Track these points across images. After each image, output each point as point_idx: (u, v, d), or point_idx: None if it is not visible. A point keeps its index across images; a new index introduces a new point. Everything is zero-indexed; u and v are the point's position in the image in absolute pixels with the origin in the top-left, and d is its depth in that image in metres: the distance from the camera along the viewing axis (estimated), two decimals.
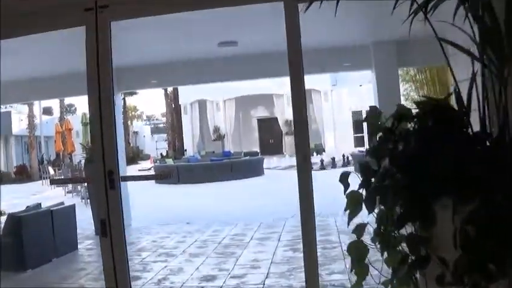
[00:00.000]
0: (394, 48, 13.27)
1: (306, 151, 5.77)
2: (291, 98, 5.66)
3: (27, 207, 10.99)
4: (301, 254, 10.39)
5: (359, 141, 43.65)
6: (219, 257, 10.71)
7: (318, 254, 10.34)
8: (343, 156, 33.39)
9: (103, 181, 5.59)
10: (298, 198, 5.84)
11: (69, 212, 11.74)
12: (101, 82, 5.56)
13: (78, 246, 12.07)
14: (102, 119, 5.62)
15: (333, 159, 33.06)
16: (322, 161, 32.64)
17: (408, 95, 16.58)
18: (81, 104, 52.42)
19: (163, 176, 9.40)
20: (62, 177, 27.85)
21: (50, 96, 20.51)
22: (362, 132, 43.76)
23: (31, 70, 13.79)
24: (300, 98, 5.60)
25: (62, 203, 11.66)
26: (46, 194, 26.77)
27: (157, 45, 12.39)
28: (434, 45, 3.92)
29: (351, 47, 13.66)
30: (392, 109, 3.89)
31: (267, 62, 13.92)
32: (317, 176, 24.23)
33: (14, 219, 10.07)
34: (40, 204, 11.18)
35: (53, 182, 8.18)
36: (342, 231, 12.09)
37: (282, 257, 10.34)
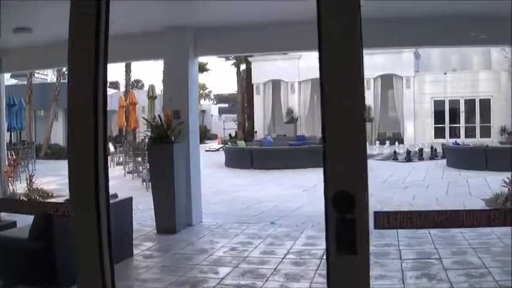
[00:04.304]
0: None
1: None
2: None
3: (66, 201, 8.10)
4: (441, 285, 7.62)
5: (440, 132, 41.52)
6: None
7: (465, 285, 7.45)
8: (431, 147, 30.23)
9: None
10: None
11: (124, 207, 8.90)
12: None
13: (134, 252, 9.37)
14: None
15: (421, 150, 29.85)
16: (409, 152, 29.34)
17: None
18: (148, 79, 51.20)
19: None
20: (123, 155, 25.54)
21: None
22: (443, 123, 41.62)
23: None
24: None
25: (115, 196, 8.76)
26: None
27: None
28: None
29: (487, 15, 10.59)
30: None
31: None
32: (406, 168, 20.50)
33: (44, 219, 7.21)
34: None
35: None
36: (477, 248, 9.16)
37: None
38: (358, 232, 2.46)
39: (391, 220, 3.12)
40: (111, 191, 9.84)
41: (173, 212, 11.11)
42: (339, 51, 2.70)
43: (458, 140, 35.09)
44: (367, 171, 2.69)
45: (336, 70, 2.70)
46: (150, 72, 65.12)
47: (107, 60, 3.02)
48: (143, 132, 20.47)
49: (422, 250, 9.38)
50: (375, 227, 2.89)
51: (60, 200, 8.12)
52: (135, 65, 47.69)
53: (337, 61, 2.70)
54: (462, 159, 24.41)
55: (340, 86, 2.70)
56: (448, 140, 36.37)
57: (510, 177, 12.15)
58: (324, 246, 8.49)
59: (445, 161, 26.32)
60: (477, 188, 16.77)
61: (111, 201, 8.29)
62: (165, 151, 11.23)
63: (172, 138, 11.31)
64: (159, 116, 11.82)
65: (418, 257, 8.95)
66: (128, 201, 9.11)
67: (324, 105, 2.76)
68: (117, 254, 8.51)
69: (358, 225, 2.44)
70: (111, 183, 11.66)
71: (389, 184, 19.61)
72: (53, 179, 19.94)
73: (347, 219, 2.42)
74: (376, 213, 2.87)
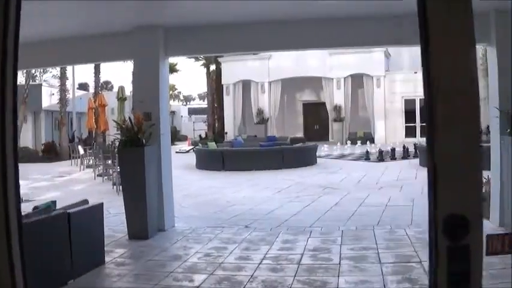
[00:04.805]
0: None
1: None
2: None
3: (35, 208, 7.68)
4: None
5: (410, 131, 41.83)
6: None
7: None
8: (404, 147, 30.05)
9: None
10: None
11: (95, 214, 8.53)
12: None
13: (106, 259, 8.97)
14: None
15: (393, 150, 29.65)
16: (381, 151, 29.18)
17: None
18: (118, 80, 50.70)
19: None
20: (92, 157, 25.17)
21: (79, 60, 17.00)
22: (414, 122, 41.79)
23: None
24: None
25: (86, 202, 8.43)
26: (74, 176, 24.38)
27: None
28: None
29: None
30: None
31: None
32: (379, 168, 20.22)
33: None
34: (55, 202, 7.92)
35: None
36: None
37: None
38: (472, 262, 2.14)
39: (506, 243, 2.64)
40: (81, 195, 9.54)
41: (145, 217, 10.77)
42: (450, 51, 2.35)
43: None
44: (481, 190, 2.32)
45: (446, 71, 2.36)
46: (120, 74, 64.65)
47: (17, 65, 2.70)
48: (113, 135, 20.11)
49: (402, 253, 9.15)
50: (487, 253, 2.47)
51: (29, 205, 7.79)
52: (105, 66, 47.25)
53: (448, 61, 2.35)
54: None
55: (451, 88, 2.36)
56: (419, 139, 36.34)
57: (487, 178, 11.96)
58: (300, 251, 8.23)
59: (417, 160, 26.05)
60: None
61: (81, 208, 8.06)
62: (135, 154, 10.88)
63: (143, 141, 10.97)
64: (129, 118, 11.47)
65: (397, 260, 8.68)
66: (99, 208, 8.74)
67: (431, 113, 2.38)
68: (88, 261, 8.29)
69: (472, 254, 2.13)
70: (80, 186, 11.45)
71: (363, 185, 19.34)
72: (22, 183, 19.41)
73: (460, 248, 2.10)
74: (488, 236, 2.46)
